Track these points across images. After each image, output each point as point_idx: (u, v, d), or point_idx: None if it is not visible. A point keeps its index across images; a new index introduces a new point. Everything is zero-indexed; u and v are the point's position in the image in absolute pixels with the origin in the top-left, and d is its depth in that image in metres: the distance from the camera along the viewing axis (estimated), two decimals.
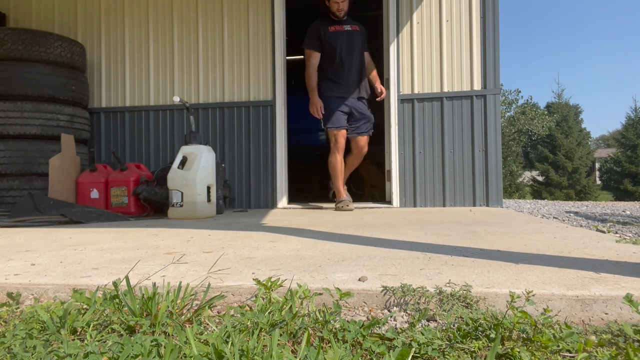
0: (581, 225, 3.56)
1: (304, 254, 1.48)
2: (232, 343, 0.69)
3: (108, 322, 0.86)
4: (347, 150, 3.97)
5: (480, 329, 0.80)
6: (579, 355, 0.70)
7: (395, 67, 4.03)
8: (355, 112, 3.74)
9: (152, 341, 0.73)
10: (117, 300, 0.91)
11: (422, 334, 0.77)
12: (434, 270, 1.18)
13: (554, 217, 4.40)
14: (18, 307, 1.01)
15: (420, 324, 0.88)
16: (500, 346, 0.74)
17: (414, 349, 0.71)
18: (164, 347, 0.71)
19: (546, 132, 22.14)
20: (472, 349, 0.73)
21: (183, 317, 0.89)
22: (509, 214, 3.08)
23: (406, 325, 0.88)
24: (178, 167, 3.14)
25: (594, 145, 35.14)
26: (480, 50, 3.93)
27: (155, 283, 1.01)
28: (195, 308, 0.94)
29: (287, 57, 4.46)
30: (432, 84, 4.00)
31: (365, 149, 3.83)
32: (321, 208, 3.99)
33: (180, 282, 0.99)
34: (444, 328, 0.84)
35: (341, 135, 3.74)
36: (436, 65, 4.00)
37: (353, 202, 4.55)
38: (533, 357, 0.71)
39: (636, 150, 21.72)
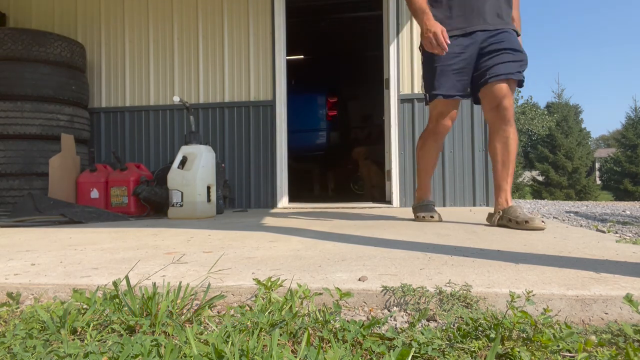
0: (581, 225, 3.57)
1: (304, 253, 1.48)
2: (232, 343, 0.69)
3: (108, 322, 0.86)
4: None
5: (480, 328, 0.80)
6: (579, 355, 0.70)
7: (395, 67, 4.03)
8: (488, 46, 2.21)
9: (152, 341, 0.73)
10: (117, 300, 0.90)
11: (422, 334, 0.77)
12: (434, 270, 1.18)
13: (554, 217, 4.40)
14: (18, 307, 1.01)
15: (420, 324, 0.88)
16: (500, 346, 0.74)
17: (414, 348, 0.71)
18: (164, 347, 0.71)
19: (546, 132, 22.14)
20: (472, 349, 0.73)
21: (183, 317, 0.89)
22: None
23: (406, 325, 0.88)
24: (178, 167, 3.14)
25: (594, 145, 35.15)
26: None
27: (155, 283, 1.01)
28: (195, 308, 0.94)
29: (287, 57, 4.46)
30: None
31: (507, 103, 2.17)
32: (321, 208, 3.99)
33: (180, 282, 0.99)
34: (444, 328, 0.84)
35: (444, 110, 2.34)
36: None
37: (351, 202, 4.53)
38: (533, 357, 0.71)
39: (636, 150, 21.71)
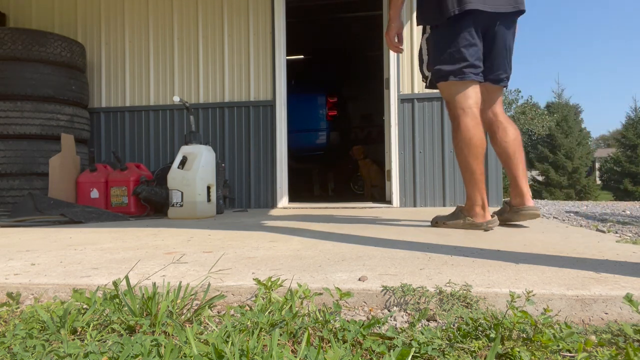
0: (581, 225, 3.56)
1: (304, 253, 1.48)
2: (232, 343, 0.69)
3: (108, 322, 0.86)
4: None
5: (480, 328, 0.80)
6: (579, 355, 0.70)
7: (395, 67, 4.03)
8: (494, 36, 2.01)
9: (152, 341, 0.73)
10: (117, 300, 0.90)
11: (422, 334, 0.77)
12: (434, 270, 1.18)
13: (553, 217, 4.40)
14: (18, 307, 1.00)
15: (420, 324, 0.88)
16: (500, 346, 0.74)
17: (414, 348, 0.71)
18: (164, 347, 0.71)
19: (546, 132, 22.15)
20: (472, 349, 0.73)
21: (183, 317, 0.89)
22: None
23: (406, 325, 0.88)
24: (178, 167, 3.14)
25: (594, 145, 35.13)
26: None
27: (155, 283, 1.00)
28: (195, 308, 0.94)
29: (287, 57, 4.46)
30: None
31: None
32: (321, 208, 3.98)
33: (180, 282, 0.99)
34: (444, 328, 0.84)
35: (471, 94, 1.98)
36: None
37: (351, 202, 4.52)
38: (533, 357, 0.71)
39: (636, 150, 21.73)
